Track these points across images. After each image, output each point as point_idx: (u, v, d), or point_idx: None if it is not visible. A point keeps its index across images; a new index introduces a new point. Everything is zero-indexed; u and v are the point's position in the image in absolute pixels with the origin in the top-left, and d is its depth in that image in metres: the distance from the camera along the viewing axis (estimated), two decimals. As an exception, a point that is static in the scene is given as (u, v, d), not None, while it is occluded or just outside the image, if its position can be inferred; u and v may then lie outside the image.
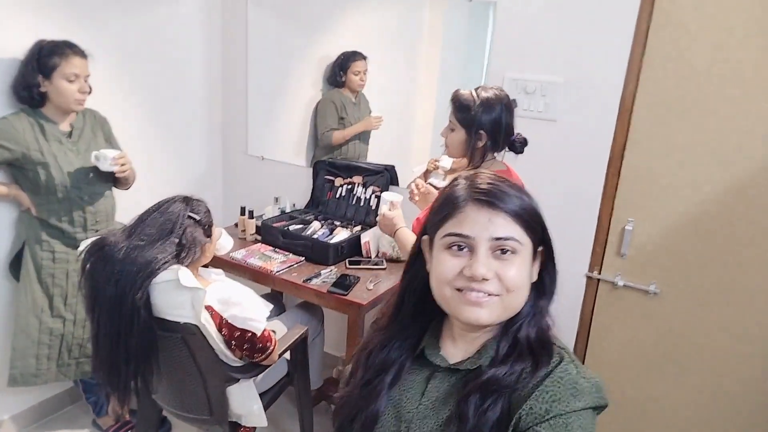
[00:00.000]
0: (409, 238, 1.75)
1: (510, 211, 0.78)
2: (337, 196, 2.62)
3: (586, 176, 2.06)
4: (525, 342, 0.81)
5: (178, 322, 1.54)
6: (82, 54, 1.97)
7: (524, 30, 2.07)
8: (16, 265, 2.06)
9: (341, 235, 2.40)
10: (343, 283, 2.10)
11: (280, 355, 1.87)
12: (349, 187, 2.60)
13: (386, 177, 2.54)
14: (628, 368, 2.16)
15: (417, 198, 1.86)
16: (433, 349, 0.88)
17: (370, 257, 2.34)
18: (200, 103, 2.87)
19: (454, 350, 0.87)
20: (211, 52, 2.85)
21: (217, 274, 1.84)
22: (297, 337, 1.97)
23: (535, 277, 0.83)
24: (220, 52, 2.89)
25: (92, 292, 1.52)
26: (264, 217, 2.62)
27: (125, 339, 1.50)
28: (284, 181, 2.86)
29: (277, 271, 2.19)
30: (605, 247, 2.11)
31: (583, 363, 2.19)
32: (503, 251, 0.78)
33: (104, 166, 2.00)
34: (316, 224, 2.47)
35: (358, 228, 2.48)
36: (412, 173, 2.43)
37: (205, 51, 2.82)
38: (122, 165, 2.03)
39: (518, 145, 1.67)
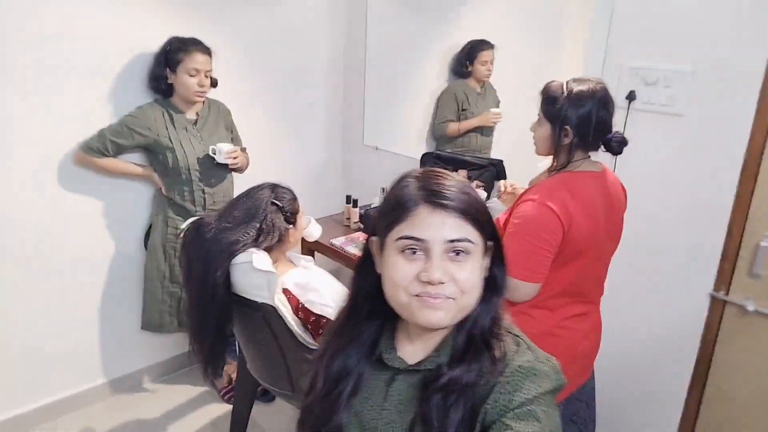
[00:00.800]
0: None
1: (462, 211, 0.77)
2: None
3: (714, 181, 1.77)
4: (480, 336, 0.82)
5: (257, 302, 1.64)
6: (204, 50, 2.18)
7: (648, 11, 1.83)
8: (147, 235, 2.36)
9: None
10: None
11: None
12: (454, 180, 2.53)
13: (492, 172, 2.43)
14: (758, 410, 1.83)
15: (504, 198, 1.76)
16: (390, 352, 0.86)
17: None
18: (322, 93, 3.01)
19: (412, 350, 0.86)
20: (334, 43, 2.96)
21: (306, 261, 1.92)
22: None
23: (486, 272, 0.83)
24: (342, 44, 2.99)
25: (187, 266, 1.68)
26: (372, 206, 2.68)
27: (207, 312, 1.64)
28: (396, 172, 2.87)
29: (369, 261, 2.22)
30: (735, 265, 1.80)
31: (701, 399, 1.94)
32: (457, 252, 0.77)
33: (219, 159, 2.23)
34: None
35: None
36: (536, 169, 2.28)
37: (328, 42, 2.94)
38: (234, 158, 2.24)
39: (615, 145, 1.46)
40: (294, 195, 1.79)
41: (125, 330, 2.50)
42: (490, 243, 0.82)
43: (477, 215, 0.78)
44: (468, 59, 2.51)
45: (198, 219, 1.73)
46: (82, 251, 2.30)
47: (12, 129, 2.01)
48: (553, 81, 1.48)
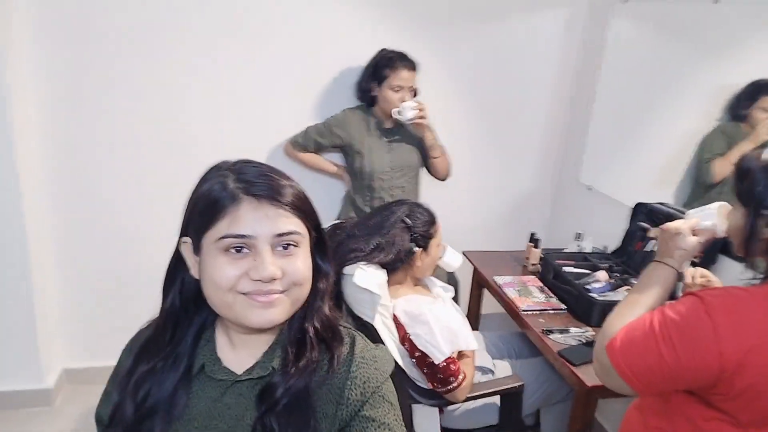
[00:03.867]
0: (656, 282, 1.13)
1: (285, 202, 0.72)
2: (646, 249, 2.09)
3: None
4: (313, 331, 0.78)
5: (360, 318, 1.57)
6: (411, 67, 2.19)
7: None
8: None
9: (621, 295, 1.92)
10: (584, 352, 1.69)
11: (471, 399, 1.68)
12: (664, 242, 2.03)
13: (718, 241, 1.87)
14: None
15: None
16: (214, 364, 0.78)
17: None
18: (543, 121, 2.75)
19: (237, 358, 0.78)
20: (564, 68, 2.68)
21: (445, 289, 1.78)
22: (504, 387, 1.72)
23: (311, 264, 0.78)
24: (573, 69, 2.68)
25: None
26: (563, 251, 2.34)
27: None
28: (604, 218, 2.47)
29: (523, 310, 1.94)
30: None
31: None
32: (286, 246, 0.73)
33: (408, 115, 2.16)
34: (601, 274, 2.05)
35: (654, 295, 1.92)
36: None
37: (558, 66, 2.67)
38: (421, 111, 2.17)
39: None
40: (433, 219, 1.66)
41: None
42: (313, 233, 0.78)
43: (302, 206, 0.74)
44: (748, 99, 1.93)
45: (339, 222, 1.74)
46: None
47: (236, 125, 2.35)
48: (756, 149, 1.03)
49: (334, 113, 2.34)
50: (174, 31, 2.17)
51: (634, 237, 2.18)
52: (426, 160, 2.33)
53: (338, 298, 1.61)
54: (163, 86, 2.23)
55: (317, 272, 0.80)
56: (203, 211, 0.72)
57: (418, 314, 1.57)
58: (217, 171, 0.74)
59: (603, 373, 1.06)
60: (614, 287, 1.99)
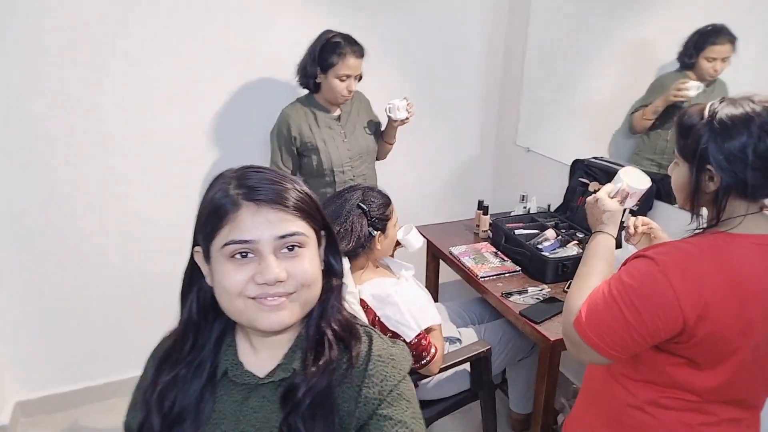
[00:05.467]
0: (600, 252, 1.21)
1: (287, 204, 0.72)
2: (588, 203, 2.20)
3: None
4: (331, 331, 0.79)
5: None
6: (358, 54, 2.04)
7: None
8: None
9: (571, 250, 2.03)
10: (543, 309, 1.78)
11: (444, 369, 1.73)
12: (603, 194, 2.14)
13: (652, 189, 1.99)
14: None
15: (635, 240, 1.38)
16: (237, 368, 0.79)
17: (599, 285, 1.91)
18: (478, 88, 2.80)
19: (258, 361, 0.80)
20: (495, 34, 2.72)
21: (406, 269, 1.80)
22: (473, 353, 1.79)
23: (322, 264, 0.79)
24: (502, 36, 2.74)
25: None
26: (510, 214, 2.43)
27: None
28: (546, 178, 2.57)
29: (481, 277, 2.01)
30: None
31: None
32: (290, 248, 0.73)
33: (400, 115, 2.11)
34: (550, 233, 2.14)
35: (600, 246, 2.04)
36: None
37: (488, 32, 2.71)
38: (410, 112, 2.13)
39: None
40: (387, 201, 1.68)
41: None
42: (323, 233, 0.79)
43: (304, 207, 0.74)
44: (694, 49, 1.94)
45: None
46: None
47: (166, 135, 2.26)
48: (694, 104, 1.07)
49: (264, 107, 2.28)
50: (101, 28, 2.05)
51: (575, 193, 2.29)
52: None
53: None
54: (97, 90, 2.11)
55: (331, 272, 0.81)
56: (207, 219, 0.74)
57: (385, 296, 1.60)
58: (221, 179, 0.75)
59: (576, 349, 1.10)
60: (563, 243, 2.09)
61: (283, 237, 0.71)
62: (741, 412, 1.11)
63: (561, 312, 1.75)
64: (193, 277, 0.80)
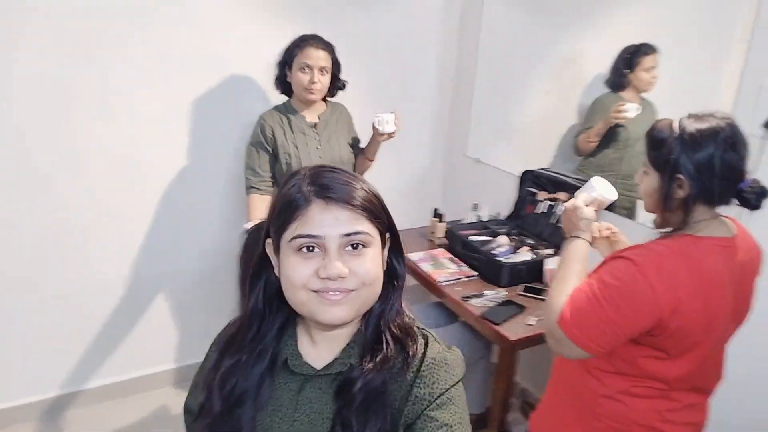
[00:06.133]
0: (578, 256, 1.30)
1: (355, 204, 0.75)
2: (537, 211, 2.34)
3: None
4: (388, 331, 0.81)
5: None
6: (320, 45, 2.04)
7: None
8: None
9: (523, 255, 2.14)
10: (502, 311, 1.87)
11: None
12: (552, 203, 2.29)
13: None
14: None
15: (598, 245, 1.46)
16: (296, 359, 0.82)
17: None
18: (430, 99, 2.89)
19: (317, 353, 0.82)
20: (446, 47, 2.82)
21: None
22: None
23: (385, 266, 0.81)
24: (455, 48, 2.85)
25: (243, 268, 1.68)
26: (463, 222, 2.52)
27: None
28: (495, 188, 2.69)
29: (440, 282, 2.08)
30: None
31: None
32: (354, 246, 0.75)
33: (388, 128, 2.14)
34: (502, 239, 2.25)
35: (550, 251, 2.17)
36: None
37: (441, 45, 2.81)
38: (397, 126, 2.16)
39: (751, 197, 1.12)
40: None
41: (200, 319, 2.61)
42: (388, 235, 0.81)
43: (371, 208, 0.76)
44: (627, 66, 2.09)
45: (262, 221, 1.72)
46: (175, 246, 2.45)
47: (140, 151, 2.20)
48: (662, 119, 1.19)
49: (229, 112, 2.28)
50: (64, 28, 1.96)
51: (525, 202, 2.42)
52: (355, 157, 2.28)
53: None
54: (57, 93, 2.03)
55: (393, 273, 0.83)
56: (280, 212, 0.77)
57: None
58: (296, 175, 0.79)
59: (559, 346, 1.18)
60: (516, 248, 2.21)
61: (348, 235, 0.74)
62: (698, 398, 1.23)
63: (518, 313, 1.87)
64: (261, 268, 0.83)
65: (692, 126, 1.11)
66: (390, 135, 2.18)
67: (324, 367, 0.81)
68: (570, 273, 1.25)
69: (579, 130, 2.27)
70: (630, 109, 2.05)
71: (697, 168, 1.10)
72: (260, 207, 2.13)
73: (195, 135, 2.33)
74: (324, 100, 2.21)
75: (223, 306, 2.57)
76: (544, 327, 1.24)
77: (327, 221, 0.74)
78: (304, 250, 0.74)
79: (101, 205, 2.23)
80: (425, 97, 2.88)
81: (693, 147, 1.10)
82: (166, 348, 2.59)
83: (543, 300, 1.94)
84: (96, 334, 2.39)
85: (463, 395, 0.80)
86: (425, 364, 0.79)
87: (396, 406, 0.77)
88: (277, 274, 0.80)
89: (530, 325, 1.81)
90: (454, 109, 2.95)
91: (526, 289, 2.02)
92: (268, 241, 0.81)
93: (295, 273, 0.74)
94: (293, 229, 0.74)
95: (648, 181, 1.20)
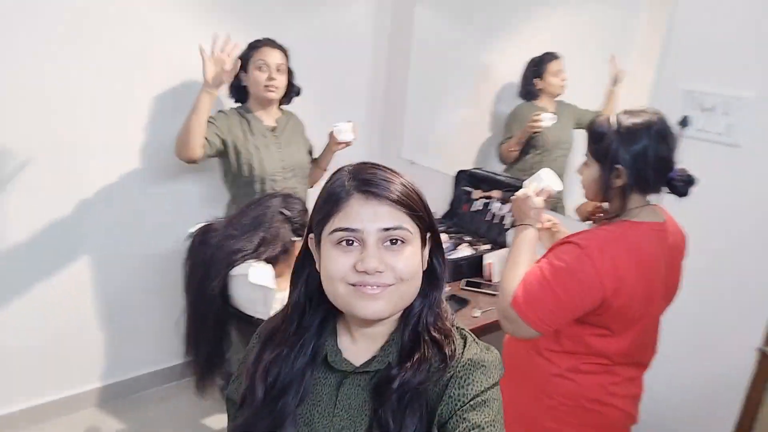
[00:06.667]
0: (527, 242, 1.36)
1: (395, 200, 0.75)
2: (473, 209, 2.44)
3: (774, 223, 1.56)
4: (426, 331, 0.81)
5: (252, 317, 1.56)
6: (275, 45, 2.06)
7: (708, 30, 1.64)
8: None
9: (463, 251, 2.22)
10: (451, 305, 1.93)
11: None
12: (486, 201, 2.39)
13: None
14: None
15: (541, 236, 1.51)
16: (336, 355, 0.83)
17: (491, 281, 2.12)
18: (364, 104, 2.93)
19: (356, 350, 0.83)
20: (378, 54, 2.88)
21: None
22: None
23: (425, 265, 0.81)
24: (386, 54, 2.90)
25: (189, 272, 1.63)
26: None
27: (205, 323, 1.57)
28: (431, 188, 2.76)
29: (386, 280, 2.11)
30: (792, 320, 1.58)
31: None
32: (393, 241, 0.76)
33: (347, 137, 2.16)
34: (442, 236, 2.32)
35: (487, 247, 2.27)
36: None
37: (372, 52, 2.86)
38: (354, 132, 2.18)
39: (680, 185, 1.23)
40: (305, 207, 1.71)
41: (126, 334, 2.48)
42: (428, 234, 0.81)
43: (412, 204, 0.77)
44: (536, 75, 2.24)
45: (206, 224, 1.67)
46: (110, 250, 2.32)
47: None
48: (600, 115, 1.29)
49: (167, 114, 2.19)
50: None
51: (461, 200, 2.51)
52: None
53: (225, 303, 1.57)
54: None
55: (433, 273, 0.83)
56: (322, 206, 0.78)
57: (308, 301, 1.62)
58: (340, 171, 0.80)
59: (512, 326, 1.25)
60: (455, 245, 2.28)
61: (387, 229, 0.75)
62: (635, 371, 1.35)
63: (463, 307, 1.94)
64: (304, 263, 0.84)
65: (628, 120, 1.22)
66: (347, 144, 2.19)
67: (362, 365, 0.81)
68: (520, 260, 1.33)
69: (501, 140, 2.41)
70: (545, 119, 2.21)
71: (633, 158, 1.21)
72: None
73: (138, 140, 2.25)
74: (278, 107, 2.20)
75: (154, 316, 2.46)
76: (498, 309, 1.31)
77: (366, 215, 0.75)
78: (344, 243, 0.75)
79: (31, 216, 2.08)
80: (358, 102, 2.91)
81: (629, 139, 1.21)
82: (91, 365, 2.42)
83: (485, 293, 2.03)
84: (8, 354, 2.20)
85: (499, 398, 0.79)
86: (461, 364, 0.78)
87: (431, 405, 0.78)
88: (317, 269, 0.80)
89: (475, 317, 1.88)
90: (387, 112, 3.00)
91: (468, 284, 2.10)
92: (311, 235, 0.82)
93: (334, 266, 0.75)
94: (333, 223, 0.76)
95: (589, 171, 1.30)
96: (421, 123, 2.83)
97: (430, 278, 0.82)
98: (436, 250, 0.83)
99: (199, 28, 2.21)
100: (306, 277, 0.83)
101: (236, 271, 1.52)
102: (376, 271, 0.74)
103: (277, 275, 1.66)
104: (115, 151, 2.22)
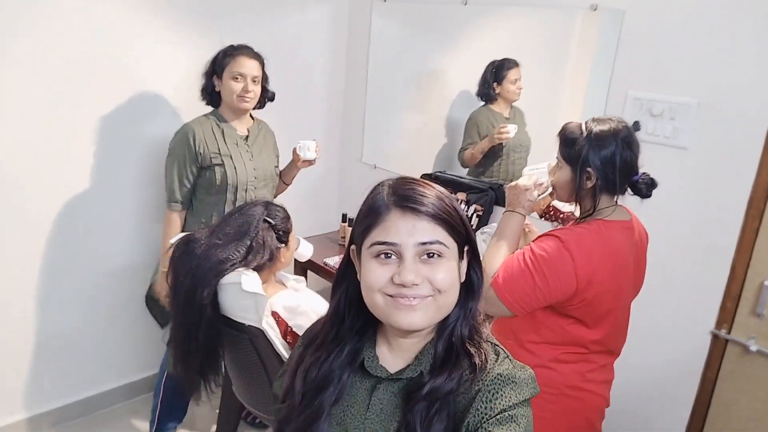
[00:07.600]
0: (514, 228, 1.45)
1: (432, 214, 0.78)
2: (439, 211, 2.53)
3: (718, 217, 1.73)
4: (460, 343, 0.83)
5: (243, 324, 1.58)
6: (251, 55, 2.04)
7: (654, 42, 1.81)
8: None
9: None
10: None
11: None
12: (452, 203, 2.49)
13: (491, 196, 2.39)
14: (756, 453, 1.78)
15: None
16: (372, 361, 0.86)
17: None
18: (323, 110, 2.97)
19: (392, 358, 0.87)
20: (336, 59, 2.93)
21: (297, 281, 1.86)
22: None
23: (463, 278, 0.84)
24: (344, 60, 2.96)
25: (174, 283, 1.62)
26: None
27: (194, 332, 1.57)
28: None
29: (362, 283, 2.16)
30: (738, 303, 1.76)
31: (701, 436, 1.89)
32: (430, 255, 0.78)
33: (309, 155, 2.16)
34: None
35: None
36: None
37: (330, 58, 2.90)
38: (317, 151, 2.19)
39: (643, 187, 1.36)
40: (287, 214, 1.74)
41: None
42: (466, 248, 0.83)
43: (449, 218, 0.79)
44: (495, 80, 2.34)
45: (188, 234, 1.67)
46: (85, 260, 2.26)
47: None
48: (570, 122, 1.40)
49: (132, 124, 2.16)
50: None
51: (427, 203, 2.59)
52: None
53: (216, 312, 1.58)
54: None
55: (471, 285, 0.85)
56: (363, 219, 0.82)
57: (296, 306, 1.65)
58: (381, 185, 0.84)
59: (489, 304, 1.34)
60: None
61: (423, 244, 0.77)
62: (608, 359, 1.47)
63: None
64: (346, 273, 0.87)
65: (597, 127, 1.34)
66: (310, 162, 2.20)
67: (397, 372, 0.85)
68: (504, 243, 1.42)
69: (463, 145, 2.53)
70: (511, 130, 2.35)
71: (602, 162, 1.33)
72: (177, 225, 2.05)
73: (93, 150, 2.19)
74: (250, 115, 2.19)
75: (115, 334, 2.40)
76: None
77: (404, 229, 0.77)
78: (382, 256, 0.79)
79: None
80: (317, 107, 2.95)
81: (599, 145, 1.33)
82: (48, 384, 2.35)
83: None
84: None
85: (528, 416, 0.79)
86: (491, 378, 0.79)
87: (459, 417, 0.79)
88: (358, 279, 0.84)
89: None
90: (347, 118, 3.05)
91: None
92: (352, 247, 0.85)
93: (373, 277, 0.79)
94: (373, 236, 0.79)
95: (561, 174, 1.42)
96: (380, 128, 2.91)
97: (468, 290, 0.85)
98: (474, 262, 0.86)
99: (158, 33, 2.22)
100: (347, 286, 0.87)
101: (226, 279, 1.54)
102: (412, 284, 0.77)
103: (263, 281, 1.68)
104: (70, 167, 2.16)
